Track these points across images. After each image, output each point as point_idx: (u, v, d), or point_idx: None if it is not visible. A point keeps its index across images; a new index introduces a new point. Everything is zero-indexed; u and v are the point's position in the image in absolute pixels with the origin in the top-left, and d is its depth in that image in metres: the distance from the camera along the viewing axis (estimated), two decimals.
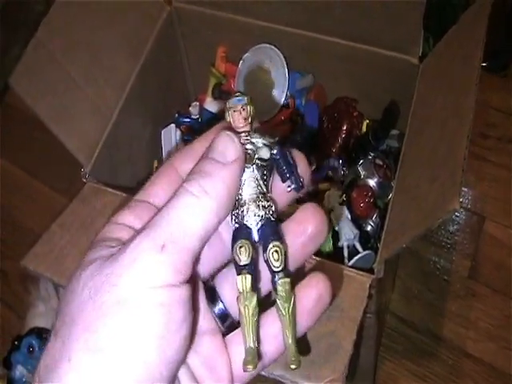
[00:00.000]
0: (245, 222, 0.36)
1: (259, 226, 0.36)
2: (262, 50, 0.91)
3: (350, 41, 0.83)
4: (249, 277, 0.35)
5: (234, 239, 0.36)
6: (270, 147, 0.36)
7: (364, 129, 0.88)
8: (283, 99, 0.87)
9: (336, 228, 0.78)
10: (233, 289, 0.36)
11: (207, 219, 0.33)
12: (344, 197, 0.80)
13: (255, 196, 0.36)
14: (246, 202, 0.36)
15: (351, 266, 0.63)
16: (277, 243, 0.35)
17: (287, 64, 0.89)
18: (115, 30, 0.86)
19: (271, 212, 0.36)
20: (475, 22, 0.68)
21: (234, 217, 0.36)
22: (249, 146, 0.36)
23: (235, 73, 0.94)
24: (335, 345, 0.56)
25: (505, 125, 1.07)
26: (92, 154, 0.82)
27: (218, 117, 0.98)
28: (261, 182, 0.36)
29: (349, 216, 0.78)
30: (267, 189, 0.37)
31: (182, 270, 0.32)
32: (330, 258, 0.64)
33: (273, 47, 0.90)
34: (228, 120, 0.37)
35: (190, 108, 0.99)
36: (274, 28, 0.89)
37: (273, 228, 0.36)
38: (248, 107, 0.36)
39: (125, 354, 0.29)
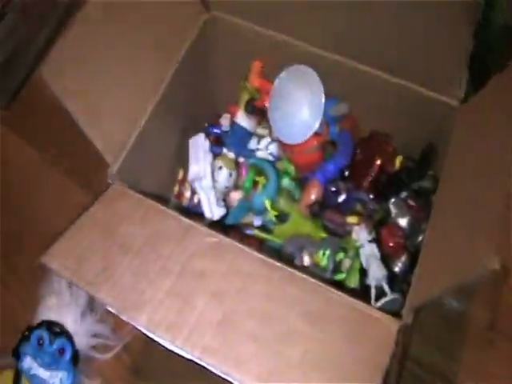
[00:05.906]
0: None
1: None
2: (299, 70, 0.88)
3: (391, 75, 0.83)
4: None
5: None
6: None
7: (397, 165, 0.87)
8: (317, 124, 0.85)
9: (364, 265, 0.78)
10: None
11: None
12: (373, 234, 0.79)
13: None
14: None
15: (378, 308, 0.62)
16: None
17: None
18: (152, 31, 0.85)
19: None
20: None
21: None
22: None
23: (269, 90, 0.93)
24: None
25: None
26: (118, 156, 0.81)
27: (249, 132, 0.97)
28: None
29: (378, 254, 0.78)
30: None
31: None
32: (355, 295, 0.63)
33: (311, 70, 0.86)
34: None
35: (221, 119, 0.98)
36: (313, 51, 0.88)
37: None
38: None
39: None
